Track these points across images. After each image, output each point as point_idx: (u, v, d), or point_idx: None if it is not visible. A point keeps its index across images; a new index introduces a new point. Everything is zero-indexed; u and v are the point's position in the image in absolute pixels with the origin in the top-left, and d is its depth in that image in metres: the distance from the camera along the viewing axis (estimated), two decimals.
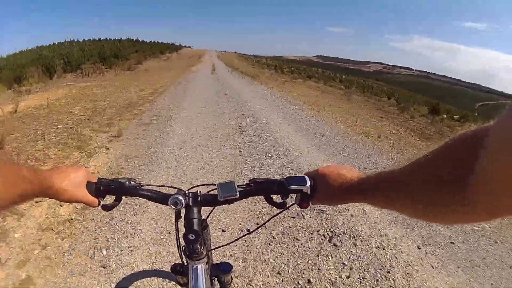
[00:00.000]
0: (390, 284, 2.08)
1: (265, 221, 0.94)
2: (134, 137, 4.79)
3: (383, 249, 2.43)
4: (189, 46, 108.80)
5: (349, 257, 2.32)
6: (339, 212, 2.92)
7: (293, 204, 0.74)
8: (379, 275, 2.15)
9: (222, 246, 1.09)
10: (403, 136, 6.35)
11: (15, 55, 20.79)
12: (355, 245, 2.46)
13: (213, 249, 1.00)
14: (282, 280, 2.05)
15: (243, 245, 2.36)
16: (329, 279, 2.09)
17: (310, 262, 2.24)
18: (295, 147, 4.71)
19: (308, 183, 0.68)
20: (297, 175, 0.71)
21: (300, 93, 12.46)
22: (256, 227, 0.95)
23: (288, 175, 0.74)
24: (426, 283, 2.10)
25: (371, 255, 2.35)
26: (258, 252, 2.30)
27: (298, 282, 2.05)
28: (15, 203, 0.54)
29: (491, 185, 0.33)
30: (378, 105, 13.15)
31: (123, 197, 0.78)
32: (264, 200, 0.74)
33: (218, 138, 4.97)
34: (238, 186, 0.73)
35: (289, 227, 2.64)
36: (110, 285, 1.92)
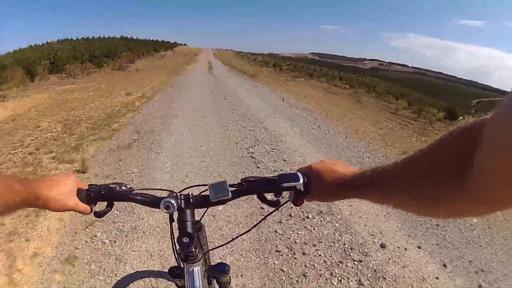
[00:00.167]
0: None
1: (259, 220, 0.88)
2: (104, 174, 3.50)
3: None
4: (185, 44, 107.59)
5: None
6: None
7: (287, 202, 0.73)
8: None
9: (218, 247, 1.02)
10: None
11: (1, 57, 19.56)
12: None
13: (209, 251, 0.98)
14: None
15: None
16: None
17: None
18: None
19: (301, 180, 0.67)
20: (290, 172, 0.70)
21: (306, 94, 11.49)
22: (251, 227, 0.87)
23: (280, 173, 0.72)
24: None
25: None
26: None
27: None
28: (2, 213, 0.53)
29: (487, 179, 0.33)
30: (390, 108, 12.43)
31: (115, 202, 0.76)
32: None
33: (223, 177, 3.51)
34: (230, 185, 0.71)
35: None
36: None
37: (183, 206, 0.72)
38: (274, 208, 0.74)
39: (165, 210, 0.69)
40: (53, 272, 2.01)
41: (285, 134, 5.26)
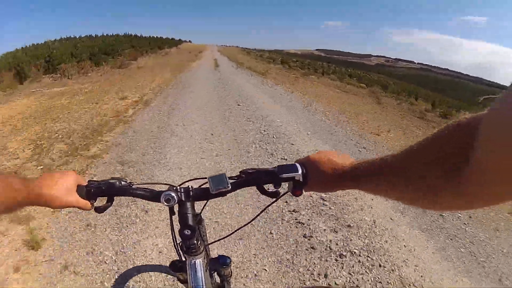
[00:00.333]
0: None
1: (260, 211, 0.84)
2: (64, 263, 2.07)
3: None
4: (189, 41, 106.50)
5: None
6: None
7: (286, 193, 0.73)
8: None
9: (219, 239, 1.01)
10: None
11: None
12: None
13: (210, 244, 0.98)
14: None
15: None
16: None
17: None
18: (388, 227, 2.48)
19: (300, 171, 0.67)
20: (288, 163, 0.70)
21: (325, 96, 10.30)
22: (251, 219, 0.87)
23: (279, 164, 0.72)
24: None
25: None
26: None
27: None
28: (4, 212, 0.54)
29: (485, 174, 0.33)
30: (414, 111, 11.29)
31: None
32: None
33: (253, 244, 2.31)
34: (230, 177, 0.72)
35: None
36: None
37: (183, 199, 0.72)
38: (273, 200, 0.75)
39: (165, 203, 0.70)
40: None
41: (306, 145, 4.11)
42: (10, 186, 0.54)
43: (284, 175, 0.68)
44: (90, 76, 12.65)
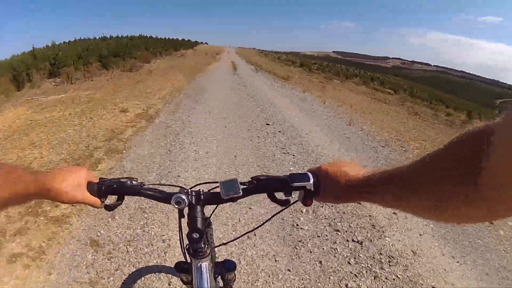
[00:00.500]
0: None
1: (267, 218, 0.84)
2: None
3: None
4: (206, 43, 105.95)
5: None
6: None
7: (296, 201, 0.73)
8: None
9: (225, 243, 1.04)
10: None
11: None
12: None
13: (216, 247, 0.97)
14: None
15: None
16: None
17: None
18: None
19: (311, 180, 0.66)
20: (300, 172, 0.69)
21: (359, 105, 8.84)
22: (259, 224, 0.87)
23: (291, 172, 0.71)
24: None
25: None
26: None
27: None
28: (12, 204, 0.54)
29: (498, 181, 0.33)
30: (453, 121, 10.59)
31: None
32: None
33: None
34: (241, 183, 0.71)
35: None
36: None
37: (194, 202, 0.72)
38: (282, 208, 0.73)
39: (176, 206, 0.69)
40: None
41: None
42: (19, 178, 0.54)
43: (296, 184, 0.67)
44: (96, 81, 11.44)
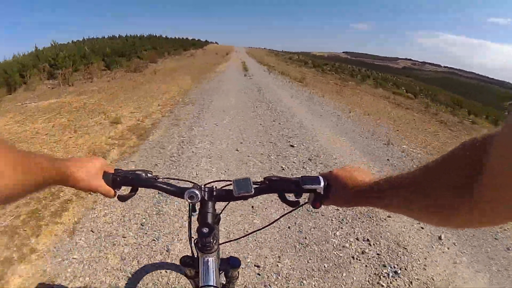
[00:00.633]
0: None
1: (276, 218, 0.86)
2: None
3: None
4: (216, 42, 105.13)
5: None
6: None
7: (306, 203, 0.74)
8: None
9: (231, 240, 1.01)
10: None
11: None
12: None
13: (222, 243, 0.95)
14: None
15: None
16: None
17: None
18: None
19: (322, 184, 0.68)
20: (312, 175, 0.70)
21: (383, 112, 7.78)
22: (266, 224, 0.90)
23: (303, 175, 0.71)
24: None
25: None
26: None
27: None
28: (33, 190, 0.54)
29: (498, 181, 0.33)
30: (480, 131, 9.37)
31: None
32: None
33: None
34: (254, 183, 0.72)
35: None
36: None
37: (206, 198, 0.73)
38: (292, 208, 0.74)
39: (189, 200, 0.70)
40: None
41: None
42: (39, 165, 0.54)
43: (307, 186, 0.68)
44: (96, 82, 10.58)
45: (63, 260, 1.95)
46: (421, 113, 10.96)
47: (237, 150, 4.03)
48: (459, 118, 12.76)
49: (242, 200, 0.72)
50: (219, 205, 0.81)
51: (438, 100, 23.26)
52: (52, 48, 16.96)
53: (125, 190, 0.73)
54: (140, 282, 1.80)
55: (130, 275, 1.88)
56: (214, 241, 0.76)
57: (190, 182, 0.78)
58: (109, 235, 2.21)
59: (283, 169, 3.51)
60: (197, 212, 0.74)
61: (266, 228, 0.90)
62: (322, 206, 0.69)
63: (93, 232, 2.24)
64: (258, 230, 0.97)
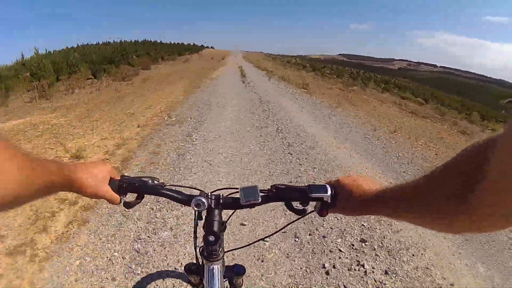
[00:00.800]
0: None
1: (282, 226, 0.86)
2: None
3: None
4: (212, 47, 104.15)
5: None
6: None
7: (312, 211, 0.72)
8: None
9: (237, 248, 1.03)
10: None
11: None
12: None
13: (228, 251, 0.92)
14: None
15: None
16: None
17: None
18: None
19: (329, 192, 0.66)
20: (318, 183, 0.69)
21: (404, 126, 6.68)
22: (272, 232, 0.90)
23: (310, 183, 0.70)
24: None
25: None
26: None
27: None
28: (39, 195, 0.52)
29: (499, 185, 0.33)
30: None
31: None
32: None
33: None
34: (261, 191, 0.70)
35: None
36: None
37: (213, 206, 0.72)
38: (298, 216, 0.73)
39: (195, 208, 0.69)
40: None
41: None
42: (48, 170, 0.52)
43: (314, 195, 0.67)
44: (77, 94, 9.48)
45: None
46: (439, 122, 9.93)
47: (242, 225, 2.61)
48: (480, 127, 11.78)
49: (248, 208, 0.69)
50: (225, 213, 0.77)
51: (448, 104, 22.31)
52: (35, 57, 15.82)
53: (131, 197, 0.71)
54: None
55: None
56: (220, 249, 0.76)
57: (197, 189, 0.77)
58: None
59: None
60: (203, 220, 0.73)
61: (273, 235, 0.81)
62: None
63: None
64: (266, 237, 1.00)
